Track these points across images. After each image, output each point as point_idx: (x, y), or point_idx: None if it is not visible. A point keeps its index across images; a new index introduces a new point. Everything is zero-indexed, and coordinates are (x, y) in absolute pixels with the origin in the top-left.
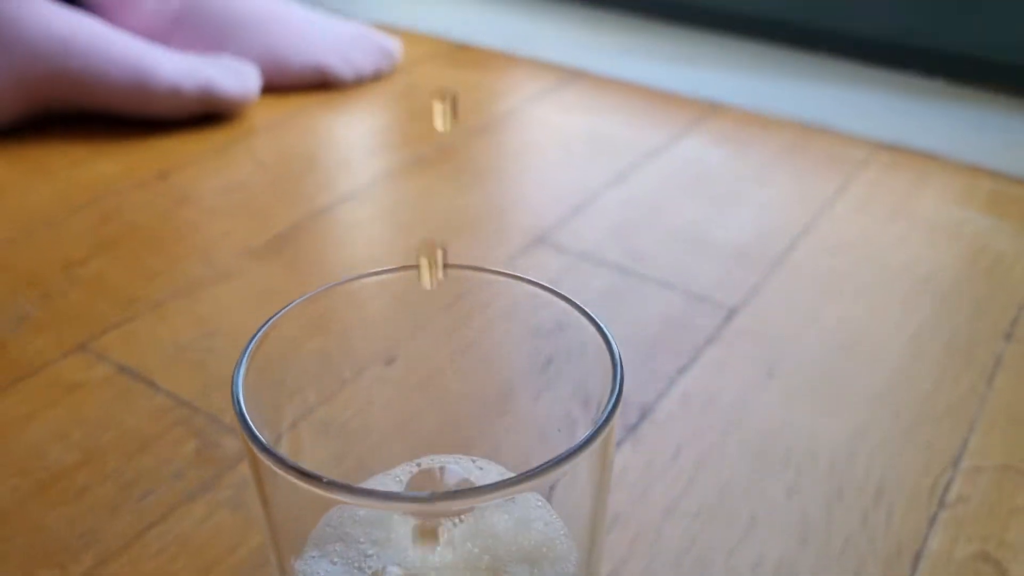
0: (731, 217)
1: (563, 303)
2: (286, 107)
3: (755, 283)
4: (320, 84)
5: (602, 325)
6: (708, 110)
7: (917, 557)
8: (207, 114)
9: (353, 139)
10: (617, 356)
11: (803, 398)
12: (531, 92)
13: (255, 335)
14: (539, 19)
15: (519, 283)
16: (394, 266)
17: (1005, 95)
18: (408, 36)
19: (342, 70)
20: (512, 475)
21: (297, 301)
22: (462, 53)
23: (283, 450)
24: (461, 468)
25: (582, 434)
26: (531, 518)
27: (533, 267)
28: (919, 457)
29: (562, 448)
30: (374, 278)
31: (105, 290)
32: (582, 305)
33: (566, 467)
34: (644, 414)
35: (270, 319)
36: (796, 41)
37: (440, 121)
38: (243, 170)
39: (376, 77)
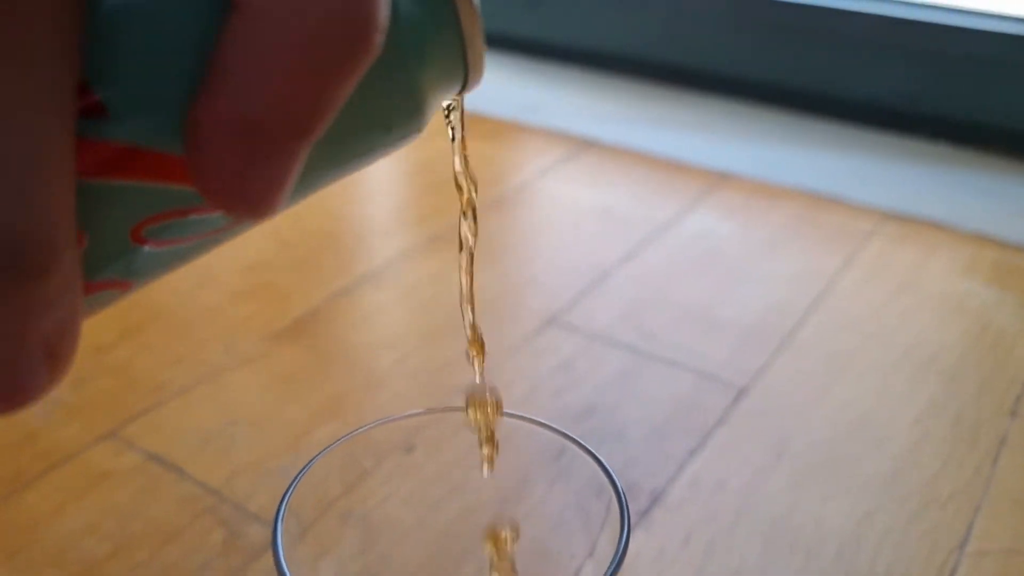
0: (739, 294)
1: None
2: None
3: (763, 363)
4: None
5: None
6: (717, 181)
7: None
8: None
9: (369, 216)
10: (626, 526)
11: (811, 482)
12: (542, 165)
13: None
14: (550, 86)
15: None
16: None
17: (1009, 161)
18: None
19: None
20: None
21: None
22: (474, 124)
23: None
24: None
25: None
26: None
27: (547, 349)
28: (925, 542)
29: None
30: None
31: (133, 376)
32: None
33: None
34: (655, 499)
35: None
36: (804, 107)
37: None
38: (263, 248)
39: None
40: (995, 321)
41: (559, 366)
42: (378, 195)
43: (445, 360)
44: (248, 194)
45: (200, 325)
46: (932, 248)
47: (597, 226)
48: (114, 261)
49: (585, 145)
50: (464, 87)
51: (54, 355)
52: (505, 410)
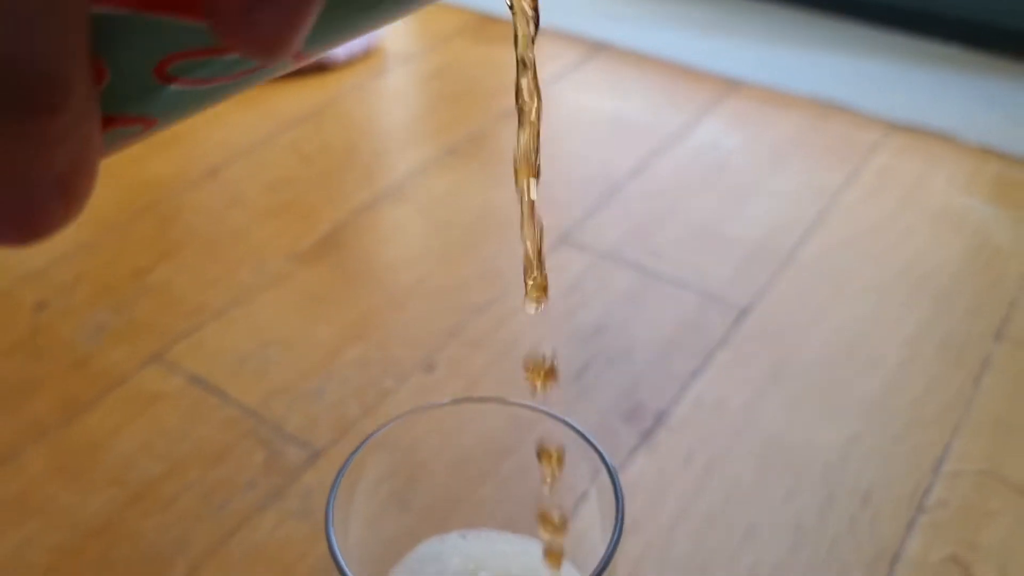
0: (745, 210)
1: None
2: (325, 91)
3: (764, 282)
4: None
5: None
6: (727, 88)
7: (894, 560)
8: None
9: (387, 127)
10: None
11: (804, 404)
12: (555, 69)
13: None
14: None
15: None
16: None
17: (1020, 65)
18: (435, 6)
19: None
20: None
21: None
22: (489, 26)
23: None
24: None
25: None
26: None
27: (558, 268)
28: (905, 462)
29: None
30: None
31: (172, 298)
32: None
33: None
34: (659, 420)
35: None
36: (821, 6)
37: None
38: (284, 164)
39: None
40: (991, 239)
41: (571, 286)
42: (395, 105)
43: (463, 279)
44: (261, 33)
45: (231, 245)
46: (935, 161)
47: (608, 137)
48: (138, 98)
49: (597, 48)
50: None
51: (68, 190)
52: (516, 400)
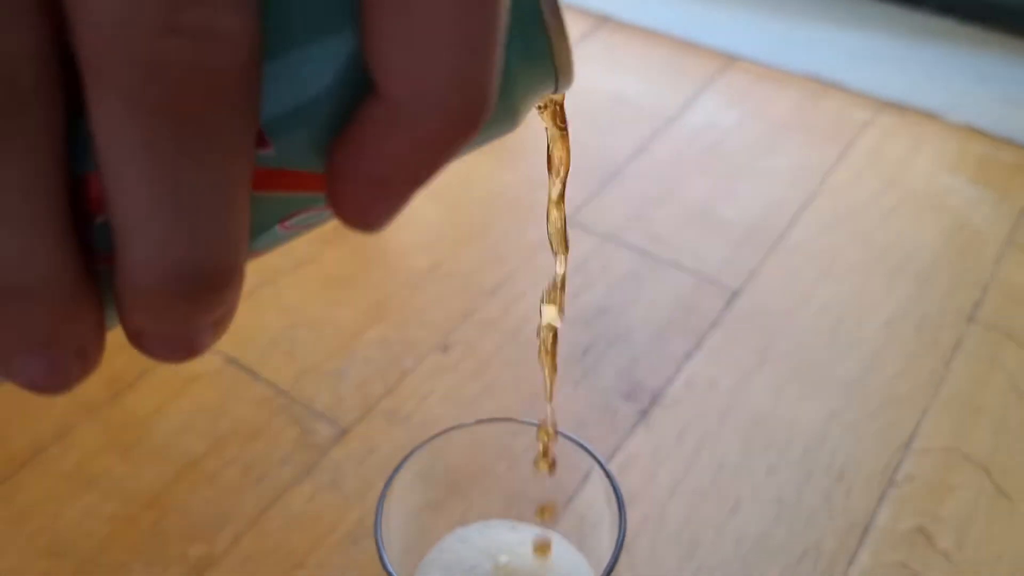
0: (740, 191)
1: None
2: None
3: (755, 264)
4: None
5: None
6: (725, 64)
7: (865, 531)
8: None
9: None
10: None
11: (788, 383)
12: None
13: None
14: None
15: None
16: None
17: (1011, 40)
18: None
19: None
20: None
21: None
22: None
23: None
24: None
25: None
26: None
27: None
28: (877, 440)
29: None
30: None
31: None
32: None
33: None
34: (655, 399)
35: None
36: None
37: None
38: None
39: None
40: (971, 220)
41: (575, 267)
42: None
43: (475, 263)
44: (369, 220)
45: None
46: (922, 141)
47: (609, 116)
48: (259, 244)
49: (599, 22)
50: (556, 91)
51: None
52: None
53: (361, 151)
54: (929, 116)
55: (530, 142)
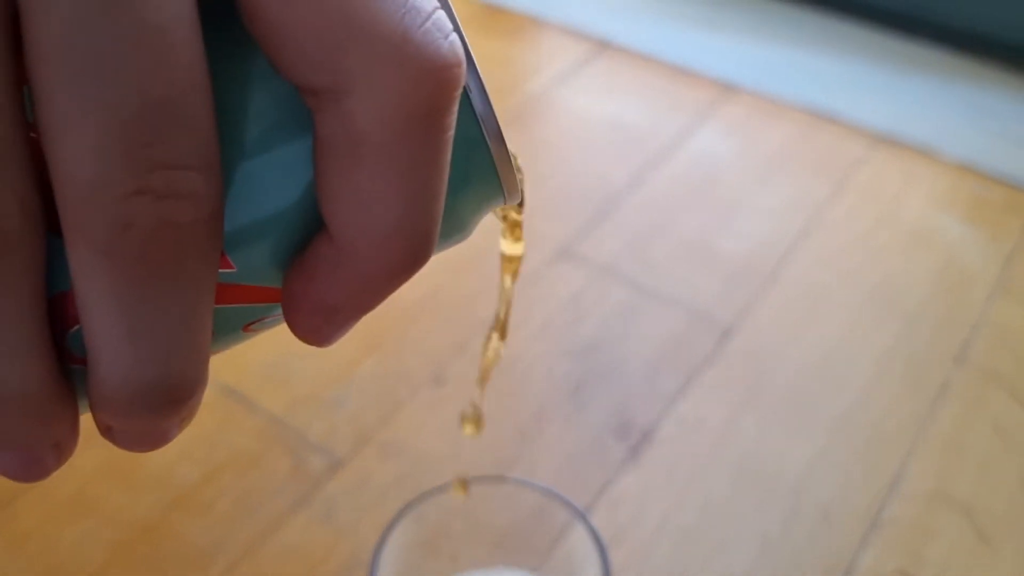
0: (735, 224)
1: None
2: None
3: (748, 300)
4: None
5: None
6: (723, 92)
7: (848, 571)
8: None
9: None
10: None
11: (778, 421)
12: (559, 69)
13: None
14: None
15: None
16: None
17: (1004, 73)
18: None
19: None
20: None
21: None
22: (492, 18)
23: None
24: None
25: None
26: None
27: (558, 281)
28: (864, 480)
29: None
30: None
31: None
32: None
33: None
34: (645, 436)
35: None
36: (821, 4)
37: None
38: None
39: None
40: (961, 260)
41: (569, 299)
42: None
43: (470, 293)
44: (319, 340)
45: None
46: (915, 178)
47: (607, 145)
48: (223, 345)
49: (602, 47)
50: (504, 203)
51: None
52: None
53: (311, 283)
54: (923, 152)
55: (528, 165)
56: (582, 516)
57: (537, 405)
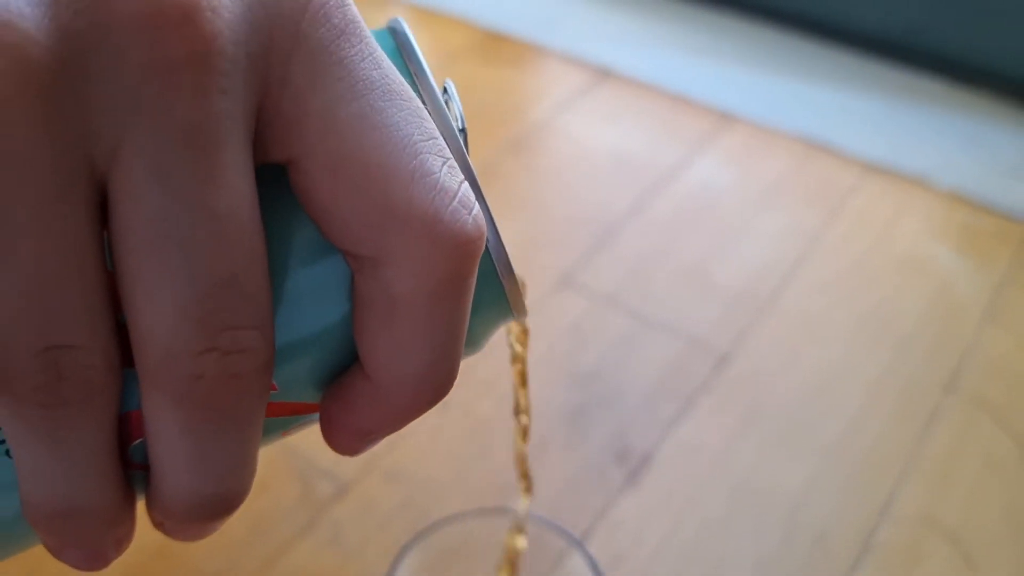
0: (732, 252)
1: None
2: None
3: (744, 328)
4: None
5: None
6: (721, 121)
7: None
8: None
9: None
10: None
11: (772, 447)
12: (560, 97)
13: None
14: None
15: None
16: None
17: (997, 104)
18: (440, 21)
19: None
20: None
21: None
22: (494, 46)
23: None
24: None
25: None
26: None
27: (559, 310)
28: (856, 504)
29: None
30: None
31: None
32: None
33: None
34: (644, 461)
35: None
36: (817, 32)
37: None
38: None
39: None
40: (952, 289)
41: (570, 327)
42: None
43: None
44: (351, 453)
45: None
46: (907, 206)
47: (608, 173)
48: (264, 446)
49: (604, 75)
50: (513, 319)
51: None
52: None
53: (348, 412)
54: (915, 181)
55: (528, 193)
56: (579, 544)
57: (538, 431)
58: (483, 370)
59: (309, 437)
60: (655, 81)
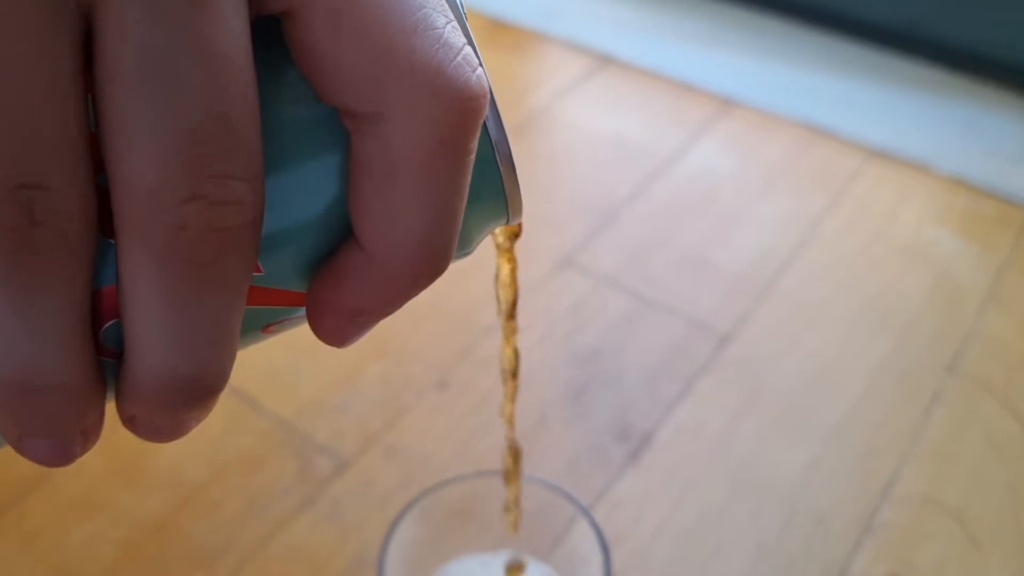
0: (733, 236)
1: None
2: None
3: (745, 311)
4: None
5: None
6: (722, 107)
7: (842, 575)
8: None
9: None
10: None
11: (773, 429)
12: (562, 83)
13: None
14: None
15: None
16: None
17: (997, 91)
18: None
19: None
20: None
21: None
22: (497, 33)
23: None
24: None
25: None
26: None
27: (560, 290)
28: (857, 486)
29: None
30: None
31: None
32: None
33: None
34: (645, 441)
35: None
36: (818, 21)
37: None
38: None
39: None
40: (953, 273)
41: (571, 308)
42: None
43: (472, 300)
44: (340, 341)
45: None
46: (909, 192)
47: (610, 157)
48: (242, 345)
49: (605, 62)
50: (507, 223)
51: (89, 439)
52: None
53: (338, 288)
54: (917, 166)
55: (530, 177)
56: (586, 512)
57: (539, 410)
58: (483, 348)
59: (308, 414)
60: (656, 68)
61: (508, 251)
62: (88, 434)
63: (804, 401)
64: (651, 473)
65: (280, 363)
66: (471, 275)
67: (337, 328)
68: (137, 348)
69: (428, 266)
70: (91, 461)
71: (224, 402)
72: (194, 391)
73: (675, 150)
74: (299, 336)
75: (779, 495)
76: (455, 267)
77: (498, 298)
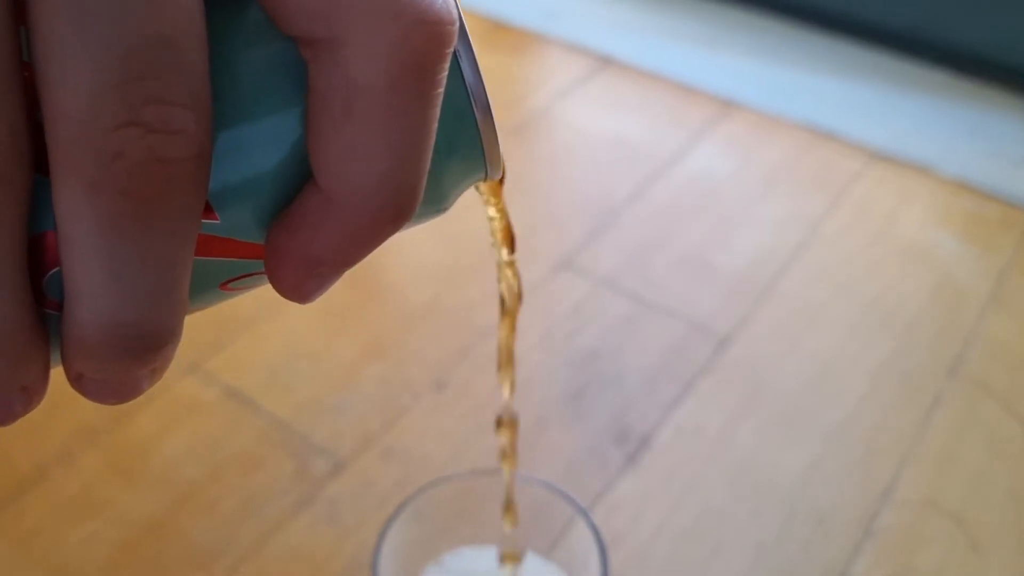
0: (733, 239)
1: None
2: None
3: (745, 312)
4: None
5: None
6: (723, 109)
7: None
8: None
9: None
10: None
11: (773, 430)
12: (562, 84)
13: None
14: None
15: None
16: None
17: (1000, 94)
18: None
19: None
20: None
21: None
22: (497, 33)
23: None
24: None
25: None
26: None
27: (559, 292)
28: (858, 489)
29: None
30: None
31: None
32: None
33: None
34: (644, 443)
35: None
36: (820, 23)
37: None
38: None
39: None
40: (955, 275)
41: (570, 310)
42: None
43: (471, 300)
44: (301, 294)
45: None
46: (911, 194)
47: (610, 158)
48: (200, 302)
49: (605, 63)
50: (485, 179)
51: (31, 396)
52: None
53: (296, 234)
54: (919, 169)
55: (529, 178)
56: (584, 513)
57: (538, 412)
58: (481, 348)
59: (305, 414)
60: (656, 69)
61: (496, 203)
62: (30, 393)
63: (804, 403)
64: (650, 474)
65: (278, 363)
66: (469, 276)
67: (296, 280)
68: (76, 294)
69: (390, 208)
70: (88, 460)
71: (222, 402)
72: (139, 341)
73: (675, 151)
74: (297, 336)
75: (779, 496)
76: (454, 267)
77: (493, 236)
